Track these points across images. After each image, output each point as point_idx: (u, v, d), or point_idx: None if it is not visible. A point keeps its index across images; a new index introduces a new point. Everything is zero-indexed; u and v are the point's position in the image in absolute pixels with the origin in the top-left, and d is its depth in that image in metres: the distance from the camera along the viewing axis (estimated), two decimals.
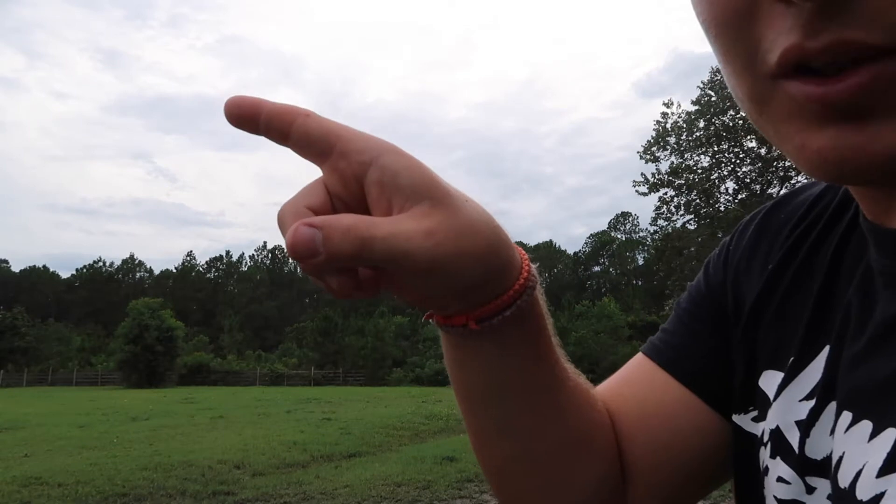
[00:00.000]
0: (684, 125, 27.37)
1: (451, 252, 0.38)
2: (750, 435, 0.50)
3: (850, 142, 0.32)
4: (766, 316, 0.51)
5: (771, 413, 0.47)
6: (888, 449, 0.35)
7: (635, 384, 0.59)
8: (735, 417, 0.52)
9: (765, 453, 0.47)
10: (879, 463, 0.35)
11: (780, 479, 0.44)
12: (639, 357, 0.61)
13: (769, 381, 0.49)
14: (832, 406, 0.41)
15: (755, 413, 0.50)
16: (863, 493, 0.36)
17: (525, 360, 0.48)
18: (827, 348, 0.44)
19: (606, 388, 0.61)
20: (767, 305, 0.51)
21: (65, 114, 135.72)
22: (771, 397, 0.48)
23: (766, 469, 0.46)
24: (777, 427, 0.46)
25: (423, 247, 0.37)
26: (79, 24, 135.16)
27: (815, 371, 0.44)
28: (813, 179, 0.43)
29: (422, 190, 0.38)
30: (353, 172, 0.39)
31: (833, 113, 0.32)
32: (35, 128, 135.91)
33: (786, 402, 0.46)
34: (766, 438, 0.47)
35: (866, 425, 0.38)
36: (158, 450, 9.89)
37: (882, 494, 0.35)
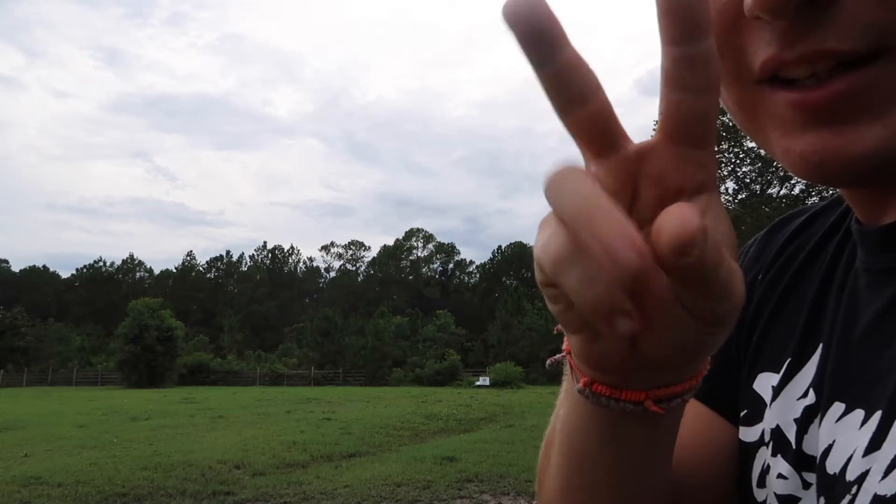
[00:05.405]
0: None
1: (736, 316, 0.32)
2: (743, 443, 0.51)
3: (830, 145, 0.35)
4: (762, 322, 0.53)
5: (771, 413, 0.48)
6: (874, 429, 0.37)
7: None
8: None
9: (766, 452, 0.48)
10: (866, 443, 0.38)
11: (779, 476, 0.46)
12: None
13: (763, 382, 0.50)
14: (825, 400, 0.43)
15: (746, 412, 0.51)
16: (851, 474, 0.38)
17: (671, 438, 0.42)
18: (820, 347, 0.46)
19: None
20: (763, 313, 0.53)
21: (64, 112, 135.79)
22: (765, 398, 0.49)
23: (768, 468, 0.47)
24: (777, 426, 0.47)
25: (742, 296, 0.31)
26: (78, 23, 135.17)
27: (810, 370, 0.46)
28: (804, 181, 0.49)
29: (732, 240, 0.34)
30: (672, 183, 0.32)
31: (814, 118, 0.35)
32: (35, 127, 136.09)
33: (785, 401, 0.47)
34: (767, 438, 0.48)
35: (858, 414, 0.39)
36: (158, 450, 9.89)
37: (867, 472, 0.37)
